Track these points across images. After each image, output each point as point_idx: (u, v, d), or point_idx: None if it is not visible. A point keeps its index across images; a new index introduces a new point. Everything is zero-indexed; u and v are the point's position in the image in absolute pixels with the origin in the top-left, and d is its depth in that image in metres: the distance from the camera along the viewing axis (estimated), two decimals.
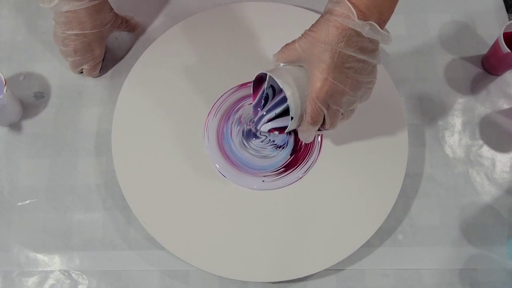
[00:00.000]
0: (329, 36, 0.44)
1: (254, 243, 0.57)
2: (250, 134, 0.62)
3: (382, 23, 0.45)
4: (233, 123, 0.62)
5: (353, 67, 0.46)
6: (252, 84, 0.54)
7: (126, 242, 0.58)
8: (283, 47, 0.50)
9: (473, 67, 0.67)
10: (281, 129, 0.54)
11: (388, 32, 0.46)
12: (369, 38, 0.45)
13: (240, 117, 0.62)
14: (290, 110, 0.49)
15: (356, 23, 0.43)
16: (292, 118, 0.49)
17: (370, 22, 0.44)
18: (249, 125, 0.62)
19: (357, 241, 0.56)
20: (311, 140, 0.54)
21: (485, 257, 0.58)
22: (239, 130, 0.62)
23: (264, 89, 0.54)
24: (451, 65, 0.67)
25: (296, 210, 0.58)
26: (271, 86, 0.54)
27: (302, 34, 0.47)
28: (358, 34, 0.44)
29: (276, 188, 0.59)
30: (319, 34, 0.45)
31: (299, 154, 0.60)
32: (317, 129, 0.51)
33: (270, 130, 0.55)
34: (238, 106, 0.63)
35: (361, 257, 0.58)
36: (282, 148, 0.61)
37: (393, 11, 0.46)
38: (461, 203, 0.61)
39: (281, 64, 0.50)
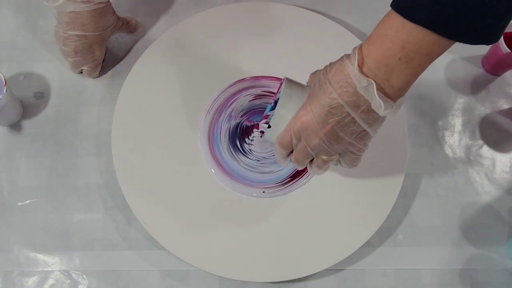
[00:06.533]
0: (332, 74, 0.42)
1: (254, 243, 0.57)
2: (235, 135, 0.61)
3: (388, 88, 0.40)
4: (224, 120, 0.62)
5: (337, 117, 0.42)
6: (279, 84, 0.53)
7: (126, 242, 0.58)
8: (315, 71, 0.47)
9: (473, 67, 0.67)
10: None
11: (391, 103, 0.40)
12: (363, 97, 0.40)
13: (232, 111, 0.62)
14: (272, 118, 0.48)
15: (355, 73, 0.40)
16: (269, 126, 0.49)
17: (370, 80, 0.39)
18: (238, 119, 0.61)
19: (357, 241, 0.56)
20: (285, 165, 0.51)
21: (485, 257, 0.58)
22: (226, 129, 0.61)
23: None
24: (451, 65, 0.67)
25: (296, 210, 0.58)
26: None
27: (326, 65, 0.45)
28: (355, 87, 0.40)
29: (277, 196, 0.59)
30: (330, 68, 0.44)
31: None
32: (285, 155, 0.49)
33: (261, 131, 0.55)
34: (232, 100, 0.62)
35: (361, 257, 0.58)
36: None
37: (405, 80, 0.40)
38: (461, 203, 0.61)
39: (305, 83, 0.50)
